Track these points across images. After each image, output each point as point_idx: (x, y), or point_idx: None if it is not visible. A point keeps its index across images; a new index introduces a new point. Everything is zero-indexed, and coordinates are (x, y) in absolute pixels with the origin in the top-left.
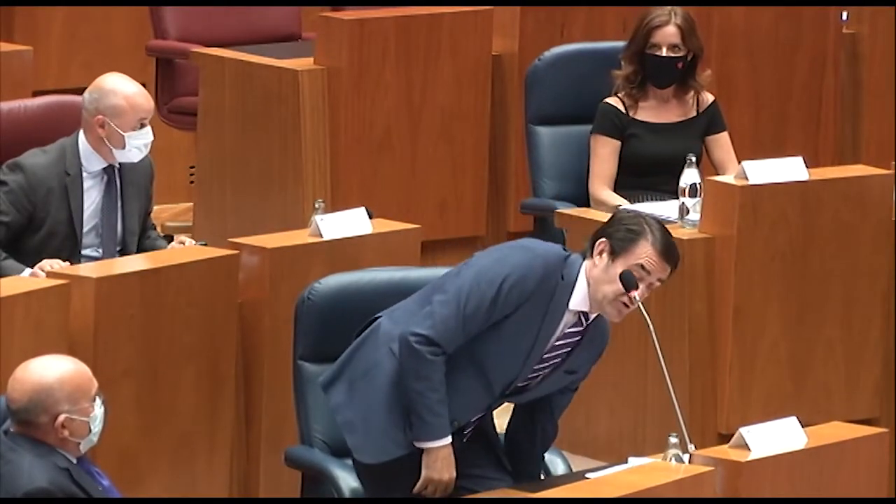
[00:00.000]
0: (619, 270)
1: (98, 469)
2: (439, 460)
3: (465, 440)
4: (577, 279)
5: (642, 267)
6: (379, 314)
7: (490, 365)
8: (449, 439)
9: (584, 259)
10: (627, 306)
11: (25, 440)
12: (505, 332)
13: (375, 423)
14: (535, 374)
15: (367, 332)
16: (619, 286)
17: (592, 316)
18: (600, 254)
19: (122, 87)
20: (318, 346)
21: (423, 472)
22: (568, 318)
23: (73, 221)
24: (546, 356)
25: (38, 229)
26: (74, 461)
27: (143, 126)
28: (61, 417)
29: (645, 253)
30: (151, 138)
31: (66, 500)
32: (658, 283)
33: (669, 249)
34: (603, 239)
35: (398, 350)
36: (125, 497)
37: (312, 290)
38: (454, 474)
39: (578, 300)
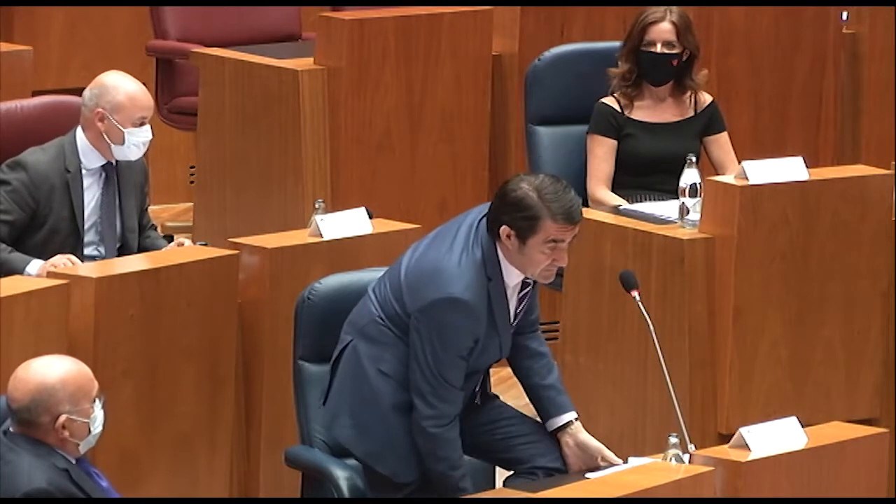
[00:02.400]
0: (533, 251)
1: (97, 470)
2: None
3: (476, 401)
4: (501, 267)
5: (554, 240)
6: (346, 336)
7: (478, 365)
8: None
9: (491, 239)
10: (552, 273)
11: (25, 440)
12: (477, 351)
13: (403, 447)
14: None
15: (343, 358)
16: (543, 260)
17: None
18: (508, 237)
19: (123, 84)
20: (318, 346)
21: None
22: (514, 292)
23: (75, 218)
24: (513, 322)
25: (41, 227)
26: (74, 462)
27: (142, 124)
28: (62, 418)
29: (551, 229)
30: (150, 137)
31: (65, 500)
32: (574, 239)
33: (569, 212)
34: (504, 227)
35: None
36: (125, 497)
37: (312, 290)
38: None
39: (512, 277)
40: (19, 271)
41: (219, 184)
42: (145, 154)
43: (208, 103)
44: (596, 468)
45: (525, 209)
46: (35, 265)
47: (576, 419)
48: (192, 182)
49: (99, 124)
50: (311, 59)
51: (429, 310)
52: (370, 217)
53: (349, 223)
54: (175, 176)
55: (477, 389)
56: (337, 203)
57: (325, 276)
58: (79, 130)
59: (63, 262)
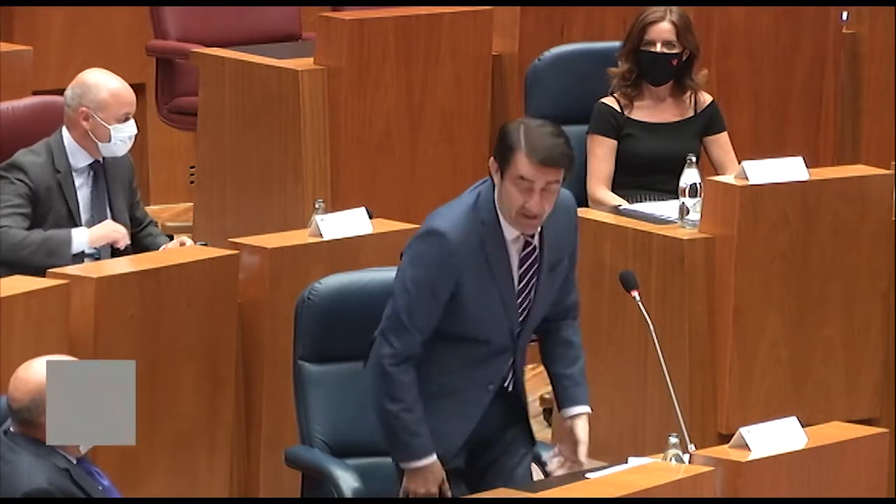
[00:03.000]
0: (508, 187)
1: (98, 469)
2: (424, 475)
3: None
4: (498, 214)
5: (522, 178)
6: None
7: (482, 333)
8: (433, 457)
9: (491, 184)
10: (528, 217)
11: (26, 440)
12: (469, 301)
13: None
14: (524, 303)
15: (370, 353)
16: (516, 200)
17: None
18: (495, 172)
19: (105, 82)
20: (318, 346)
21: (406, 485)
22: (515, 247)
23: (72, 217)
24: (521, 287)
25: (41, 225)
26: (74, 461)
27: (126, 119)
28: None
29: (521, 164)
30: (135, 131)
31: (65, 500)
32: (555, 185)
33: (543, 153)
34: (492, 159)
35: (370, 375)
36: (125, 497)
37: (312, 290)
38: (441, 485)
39: (510, 229)
40: (67, 242)
41: (219, 184)
42: (145, 153)
43: (208, 103)
44: (576, 462)
45: (506, 139)
46: (82, 233)
47: (586, 413)
48: (192, 182)
49: (84, 123)
50: (311, 59)
51: (410, 246)
52: (370, 217)
53: (349, 223)
54: (175, 176)
55: (509, 374)
56: (337, 203)
57: (325, 276)
58: (64, 130)
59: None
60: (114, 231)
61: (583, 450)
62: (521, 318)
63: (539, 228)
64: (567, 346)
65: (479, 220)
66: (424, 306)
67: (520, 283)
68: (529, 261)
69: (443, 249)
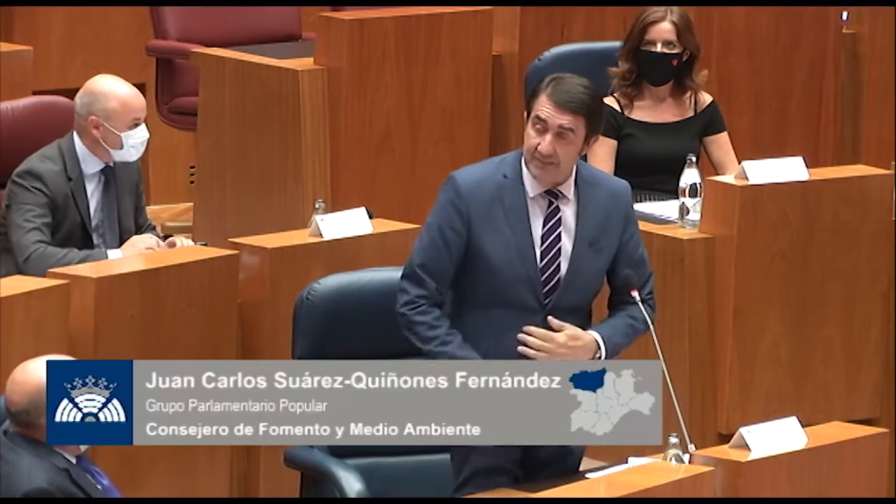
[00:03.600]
0: (528, 130)
1: (98, 469)
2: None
3: None
4: (521, 170)
5: (538, 118)
6: None
7: (506, 290)
8: None
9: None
10: (538, 158)
11: (25, 440)
12: (486, 253)
13: None
14: (550, 266)
15: None
16: (531, 141)
17: (562, 189)
18: (526, 121)
19: (114, 89)
20: (317, 346)
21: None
22: (538, 205)
23: (84, 223)
24: (544, 248)
25: (55, 233)
26: (74, 461)
27: (137, 125)
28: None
29: (539, 104)
30: (147, 136)
31: (65, 500)
32: (569, 133)
33: (560, 94)
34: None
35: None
36: (125, 497)
37: (311, 290)
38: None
39: (532, 186)
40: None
41: (219, 184)
42: (145, 153)
43: (208, 103)
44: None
45: (537, 85)
46: (116, 254)
47: (600, 340)
48: (192, 182)
49: (94, 131)
50: (311, 59)
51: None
52: (370, 217)
53: (349, 223)
54: (175, 176)
55: None
56: (337, 203)
57: (326, 276)
58: (75, 136)
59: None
60: (146, 248)
61: (561, 336)
62: (549, 282)
63: (554, 177)
64: (620, 312)
65: (500, 173)
66: (434, 251)
67: (543, 243)
68: (553, 221)
69: (451, 191)
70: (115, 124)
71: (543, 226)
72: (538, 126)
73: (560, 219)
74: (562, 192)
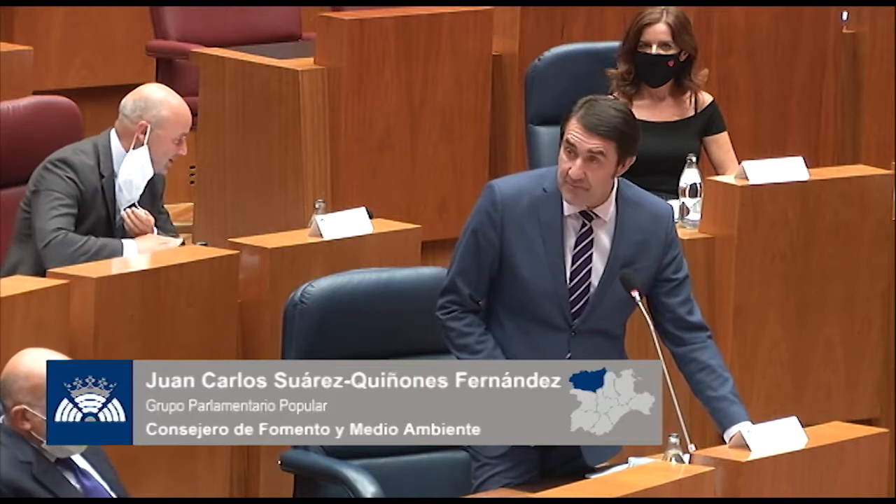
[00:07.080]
0: (561, 154)
1: (85, 468)
2: None
3: None
4: (560, 189)
5: (568, 142)
6: None
7: (534, 304)
8: None
9: None
10: (569, 182)
11: (6, 429)
12: (518, 265)
13: None
14: (580, 286)
15: None
16: (563, 165)
17: (596, 211)
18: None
19: (168, 99)
20: (310, 347)
21: None
22: (572, 224)
23: (109, 222)
24: (575, 267)
25: (79, 227)
26: (53, 459)
27: (181, 142)
28: (18, 408)
29: (570, 127)
30: (184, 153)
31: (66, 500)
32: (600, 157)
33: (590, 118)
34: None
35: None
36: (125, 497)
37: (304, 292)
38: None
39: (567, 204)
40: (119, 254)
41: (219, 184)
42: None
43: (208, 103)
44: None
45: (570, 108)
46: (131, 245)
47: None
48: (192, 182)
49: (140, 136)
50: (311, 59)
51: None
52: (370, 217)
53: (349, 223)
54: (175, 176)
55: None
56: (337, 203)
57: (326, 275)
58: (113, 136)
59: (158, 246)
60: (160, 245)
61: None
62: (577, 302)
63: (586, 201)
64: (709, 371)
65: (540, 186)
66: (470, 256)
67: (574, 262)
68: (585, 242)
69: (487, 200)
70: (164, 133)
71: (576, 245)
72: (569, 150)
73: (592, 240)
74: (596, 214)
